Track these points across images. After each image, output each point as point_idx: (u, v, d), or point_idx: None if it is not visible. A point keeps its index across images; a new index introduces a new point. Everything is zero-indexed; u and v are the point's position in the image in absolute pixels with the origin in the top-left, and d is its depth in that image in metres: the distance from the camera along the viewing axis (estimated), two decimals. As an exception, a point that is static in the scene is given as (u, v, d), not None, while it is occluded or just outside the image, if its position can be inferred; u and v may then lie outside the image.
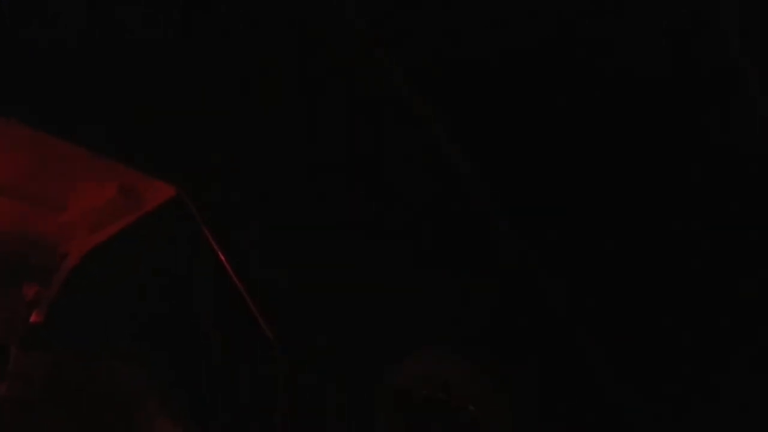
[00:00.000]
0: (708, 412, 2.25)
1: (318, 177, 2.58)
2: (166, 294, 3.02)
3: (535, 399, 2.60)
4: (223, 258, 2.64)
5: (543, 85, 2.13)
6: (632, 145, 2.18)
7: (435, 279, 2.69)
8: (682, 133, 2.11)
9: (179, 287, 3.05)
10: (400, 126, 2.29)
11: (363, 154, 2.47)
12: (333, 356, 2.89)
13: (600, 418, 2.50)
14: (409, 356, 2.80)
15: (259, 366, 2.85)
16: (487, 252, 2.59)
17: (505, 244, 2.49)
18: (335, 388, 2.87)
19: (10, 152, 2.22)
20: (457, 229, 2.60)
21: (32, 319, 2.77)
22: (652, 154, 2.18)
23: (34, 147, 2.19)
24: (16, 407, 2.54)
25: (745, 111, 1.97)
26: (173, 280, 3.02)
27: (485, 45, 2.04)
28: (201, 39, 2.07)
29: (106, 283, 2.85)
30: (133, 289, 2.92)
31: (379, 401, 2.81)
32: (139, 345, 2.95)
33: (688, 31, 1.88)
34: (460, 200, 2.53)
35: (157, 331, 3.01)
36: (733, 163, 2.09)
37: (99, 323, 2.90)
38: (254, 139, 2.48)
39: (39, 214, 2.61)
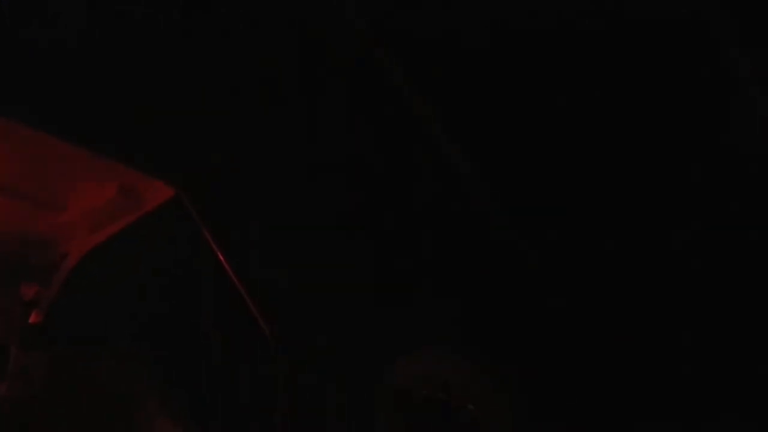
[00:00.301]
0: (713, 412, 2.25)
1: (318, 177, 2.58)
2: (166, 294, 3.02)
3: (535, 399, 2.60)
4: (222, 258, 2.65)
5: (543, 85, 2.13)
6: (632, 145, 2.18)
7: (435, 279, 2.69)
8: (681, 133, 2.11)
9: (179, 287, 3.05)
10: (400, 126, 2.29)
11: (363, 154, 2.47)
12: (333, 356, 2.89)
13: (600, 418, 2.50)
14: (409, 356, 2.80)
15: (259, 366, 2.85)
16: (488, 252, 2.59)
17: (505, 244, 2.49)
18: (335, 388, 2.87)
19: (10, 152, 2.22)
20: (456, 228, 2.60)
21: (32, 319, 2.77)
22: (651, 154, 2.18)
23: (35, 147, 2.19)
24: (16, 407, 2.55)
25: (744, 111, 1.97)
26: (173, 280, 3.02)
27: (485, 45, 2.04)
28: (201, 39, 2.07)
29: (106, 283, 2.85)
30: (133, 289, 2.92)
31: (379, 401, 2.81)
32: (139, 345, 2.95)
33: (687, 32, 1.88)
34: (460, 200, 2.52)
35: (157, 331, 3.01)
36: (733, 163, 2.09)
37: (99, 323, 2.90)
38: (254, 140, 2.48)
39: (39, 214, 2.62)
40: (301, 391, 2.79)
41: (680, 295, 2.31)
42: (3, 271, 2.67)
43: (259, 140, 2.49)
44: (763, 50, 1.85)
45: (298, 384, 2.78)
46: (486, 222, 2.50)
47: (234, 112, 2.34)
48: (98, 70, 2.01)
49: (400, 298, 2.75)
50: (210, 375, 3.05)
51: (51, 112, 2.02)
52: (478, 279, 2.62)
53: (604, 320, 2.47)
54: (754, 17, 1.81)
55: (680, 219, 2.23)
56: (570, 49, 2.01)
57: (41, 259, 2.75)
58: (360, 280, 2.76)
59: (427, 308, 2.69)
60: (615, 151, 2.22)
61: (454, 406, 2.64)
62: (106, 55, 1.98)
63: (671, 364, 2.38)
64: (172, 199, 2.60)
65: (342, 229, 2.70)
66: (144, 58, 2.07)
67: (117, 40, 1.95)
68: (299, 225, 2.70)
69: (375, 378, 2.87)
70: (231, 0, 1.99)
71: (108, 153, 2.26)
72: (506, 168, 2.41)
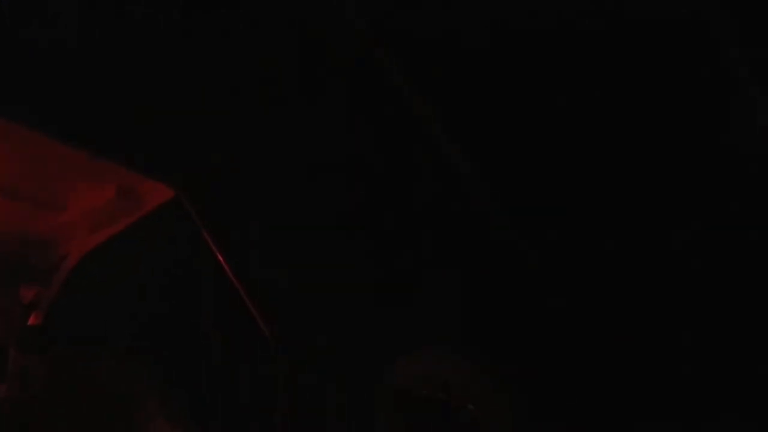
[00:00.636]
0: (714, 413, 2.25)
1: (318, 177, 2.58)
2: (166, 294, 3.02)
3: (535, 399, 2.60)
4: (222, 258, 2.65)
5: (543, 86, 2.13)
6: (631, 146, 2.18)
7: (435, 279, 2.69)
8: (681, 133, 2.11)
9: (179, 287, 3.05)
10: (400, 126, 2.29)
11: (363, 154, 2.47)
12: (333, 356, 2.89)
13: (600, 418, 2.50)
14: (409, 356, 2.80)
15: (259, 366, 2.85)
16: (488, 252, 2.59)
17: (505, 244, 2.49)
18: (335, 388, 2.87)
19: (9, 153, 2.21)
20: (456, 228, 2.60)
21: (31, 320, 2.76)
22: (651, 154, 2.18)
23: (34, 148, 2.19)
24: (16, 408, 2.54)
25: (744, 112, 1.97)
26: (173, 280, 3.02)
27: (485, 45, 2.04)
28: (201, 39, 2.07)
29: (106, 284, 2.85)
30: (133, 289, 2.91)
31: (379, 401, 2.81)
32: (139, 345, 2.95)
33: (687, 32, 1.88)
34: (460, 200, 2.52)
35: (157, 331, 3.01)
36: (732, 163, 2.09)
37: (99, 324, 2.90)
38: (253, 140, 2.48)
39: (38, 214, 2.61)
40: (301, 391, 2.79)
41: (680, 295, 2.32)
42: (2, 271, 2.67)
43: (259, 140, 2.49)
44: (763, 50, 1.85)
45: (298, 384, 2.78)
46: (486, 222, 2.50)
47: (234, 113, 2.34)
48: (98, 71, 2.01)
49: (400, 298, 2.75)
50: (210, 375, 3.05)
51: (50, 113, 2.02)
52: (478, 279, 2.62)
53: (603, 320, 2.47)
54: (754, 17, 1.81)
55: (680, 219, 2.23)
56: (570, 49, 2.01)
57: (41, 259, 2.74)
58: (360, 280, 2.76)
59: (427, 308, 2.69)
60: (615, 151, 2.22)
61: (454, 406, 2.64)
62: (105, 56, 1.98)
63: (671, 364, 2.38)
64: (171, 199, 2.60)
65: (342, 229, 2.69)
66: (143, 59, 2.07)
67: (117, 41, 1.95)
68: (299, 225, 2.70)
69: (375, 378, 2.88)
70: (231, 0, 1.99)
71: (107, 154, 2.25)
72: (506, 168, 2.41)
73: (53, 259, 2.76)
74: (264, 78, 2.24)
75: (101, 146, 2.18)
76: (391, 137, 2.39)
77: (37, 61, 1.89)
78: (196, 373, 2.99)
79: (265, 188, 2.63)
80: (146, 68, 2.09)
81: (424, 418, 2.68)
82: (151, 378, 2.86)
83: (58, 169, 2.37)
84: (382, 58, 2.07)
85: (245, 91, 2.29)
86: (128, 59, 2.03)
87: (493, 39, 2.03)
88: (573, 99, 2.15)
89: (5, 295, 2.69)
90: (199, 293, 3.03)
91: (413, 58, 2.12)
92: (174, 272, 2.98)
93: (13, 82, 1.87)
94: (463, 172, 2.40)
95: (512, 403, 2.63)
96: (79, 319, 2.85)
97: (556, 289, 2.57)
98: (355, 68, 2.14)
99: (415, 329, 2.78)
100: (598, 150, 2.28)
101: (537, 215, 2.49)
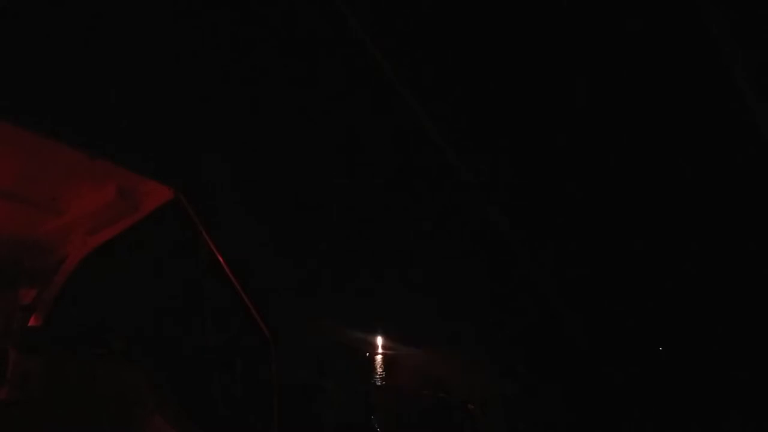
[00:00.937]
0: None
1: (318, 178, 2.59)
2: (164, 295, 3.02)
3: (535, 398, 2.61)
4: (221, 259, 2.65)
5: (543, 86, 2.14)
6: (633, 147, 2.19)
7: (435, 279, 2.69)
8: (681, 136, 2.12)
9: (178, 288, 3.05)
10: (399, 126, 2.30)
11: (363, 154, 2.47)
12: (331, 355, 2.89)
13: (600, 418, 2.51)
14: (408, 356, 2.81)
15: (257, 365, 2.85)
16: (486, 252, 2.59)
17: (506, 244, 2.50)
18: (335, 387, 2.87)
19: (9, 155, 2.21)
20: (456, 229, 2.61)
21: (31, 321, 2.76)
22: (652, 156, 2.19)
23: (33, 150, 2.18)
24: (16, 409, 2.54)
25: (743, 119, 1.98)
26: (172, 281, 3.02)
27: (485, 45, 2.05)
28: (200, 44, 2.08)
29: (105, 285, 2.85)
30: (132, 290, 2.91)
31: (378, 401, 2.82)
32: (138, 345, 2.95)
33: (687, 39, 1.89)
34: (458, 200, 2.53)
35: (156, 331, 3.01)
36: (732, 163, 2.10)
37: (98, 324, 2.89)
38: (253, 142, 2.49)
39: (38, 217, 2.61)
40: (298, 390, 2.79)
41: (681, 296, 2.32)
42: (2, 274, 2.66)
43: (258, 143, 2.50)
44: (761, 55, 1.86)
45: (295, 382, 2.79)
46: (485, 222, 2.50)
47: (233, 116, 2.35)
48: (98, 75, 2.02)
49: (400, 297, 2.75)
50: (208, 374, 3.05)
51: (50, 116, 2.02)
52: (478, 279, 2.63)
53: (603, 320, 2.48)
54: (754, 21, 1.82)
55: (681, 221, 2.24)
56: (569, 49, 2.02)
57: (40, 262, 2.74)
58: (360, 280, 2.76)
59: (427, 308, 2.69)
60: (615, 153, 2.23)
61: (454, 406, 2.64)
62: (105, 60, 1.99)
63: (671, 363, 2.39)
64: (170, 201, 2.60)
65: (342, 229, 2.70)
66: (142, 63, 2.08)
67: (116, 45, 1.96)
68: (298, 225, 2.70)
69: (374, 377, 2.87)
70: (231, 5, 2.00)
71: (107, 156, 2.25)
72: (505, 168, 2.42)
73: (53, 261, 2.76)
74: (263, 80, 2.25)
75: (101, 148, 2.19)
76: (392, 137, 2.40)
77: (38, 66, 1.89)
78: (194, 372, 2.99)
79: (264, 189, 2.63)
80: (145, 72, 2.09)
81: (424, 418, 2.69)
82: (149, 377, 2.86)
83: (57, 172, 2.37)
84: (383, 58, 2.08)
85: (244, 95, 2.30)
86: (127, 64, 2.04)
87: (493, 39, 2.04)
88: (573, 100, 2.16)
89: (5, 297, 2.68)
90: (197, 294, 3.03)
91: (414, 60, 2.13)
92: (172, 273, 2.98)
93: (13, 85, 1.87)
94: (463, 174, 2.41)
95: (512, 403, 2.64)
96: (78, 321, 2.85)
97: (555, 289, 2.58)
98: (355, 68, 2.15)
99: (415, 329, 2.79)
100: (597, 151, 2.29)
101: (536, 215, 2.51)
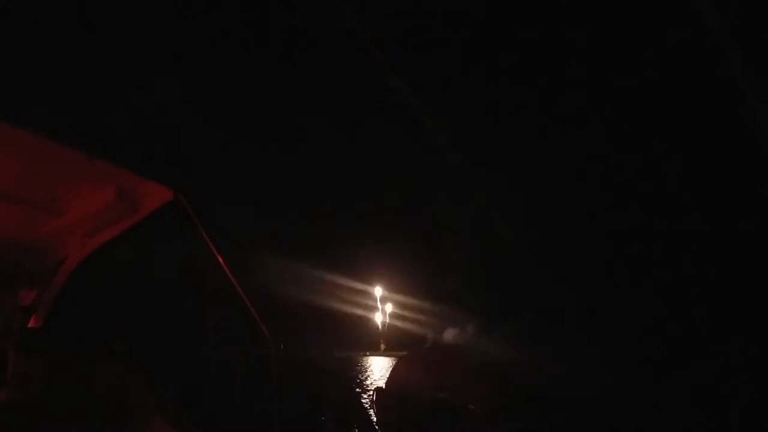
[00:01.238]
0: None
1: (318, 179, 2.59)
2: (164, 295, 3.02)
3: (537, 398, 2.61)
4: (220, 259, 2.65)
5: (542, 87, 2.14)
6: (633, 147, 2.19)
7: (434, 279, 2.69)
8: (681, 136, 2.12)
9: (177, 288, 3.05)
10: (399, 126, 2.30)
11: (363, 156, 2.48)
12: (331, 356, 2.89)
13: (599, 418, 2.51)
14: (409, 356, 2.81)
15: (256, 365, 2.85)
16: (487, 252, 2.59)
17: (506, 244, 2.50)
18: (334, 388, 2.88)
19: (9, 157, 2.21)
20: (455, 228, 2.61)
21: (30, 322, 2.76)
22: (652, 158, 2.19)
23: (33, 152, 2.19)
24: (16, 410, 2.54)
25: (744, 120, 1.98)
26: (171, 281, 3.02)
27: (485, 45, 2.05)
28: (200, 45, 2.08)
29: (105, 286, 2.85)
30: (132, 290, 2.92)
31: (378, 401, 2.82)
32: (138, 345, 2.95)
33: (687, 38, 1.89)
34: (457, 200, 2.53)
35: (156, 331, 3.01)
36: (732, 164, 2.10)
37: (97, 325, 2.90)
38: (252, 143, 2.49)
39: (38, 218, 2.61)
40: (298, 390, 2.79)
41: (682, 298, 2.33)
42: (2, 275, 2.66)
43: (257, 144, 2.50)
44: (761, 57, 1.86)
45: (295, 383, 2.79)
46: (486, 221, 2.51)
47: (232, 117, 2.35)
48: (97, 76, 2.02)
49: (400, 297, 2.76)
50: (207, 374, 3.06)
51: (50, 117, 2.02)
52: (478, 280, 2.63)
53: (603, 319, 2.48)
54: (754, 21, 1.82)
55: (680, 221, 2.24)
56: (570, 50, 2.02)
57: (40, 262, 2.74)
58: (360, 280, 2.76)
59: (427, 308, 2.69)
60: (615, 153, 2.23)
61: (454, 406, 2.65)
62: (104, 61, 1.99)
63: (670, 363, 2.39)
64: (170, 201, 2.60)
65: (341, 229, 2.70)
66: (142, 64, 2.08)
67: (116, 47, 1.96)
68: (298, 225, 2.71)
69: (374, 378, 2.88)
70: (230, 6, 2.00)
71: (106, 157, 2.26)
72: (505, 168, 2.42)
73: (52, 262, 2.76)
74: (263, 81, 2.25)
75: (100, 149, 2.19)
76: (391, 137, 2.40)
77: (38, 68, 1.89)
78: (193, 372, 3.00)
79: (264, 190, 2.63)
80: (144, 73, 2.10)
81: (424, 417, 2.69)
82: (149, 378, 2.86)
83: (56, 173, 2.37)
84: (382, 57, 2.08)
85: (244, 95, 2.30)
86: (127, 65, 2.04)
87: (494, 40, 2.04)
88: (573, 102, 2.16)
89: (5, 298, 2.68)
90: (197, 294, 3.03)
91: (411, 58, 2.13)
92: (172, 274, 2.99)
93: (13, 86, 1.88)
94: (462, 176, 2.41)
95: (511, 401, 2.64)
96: (78, 322, 2.86)
97: (555, 289, 2.58)
98: (355, 68, 2.15)
99: (415, 329, 2.79)
100: (597, 152, 2.29)
101: (535, 216, 2.51)
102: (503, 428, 2.61)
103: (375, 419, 2.77)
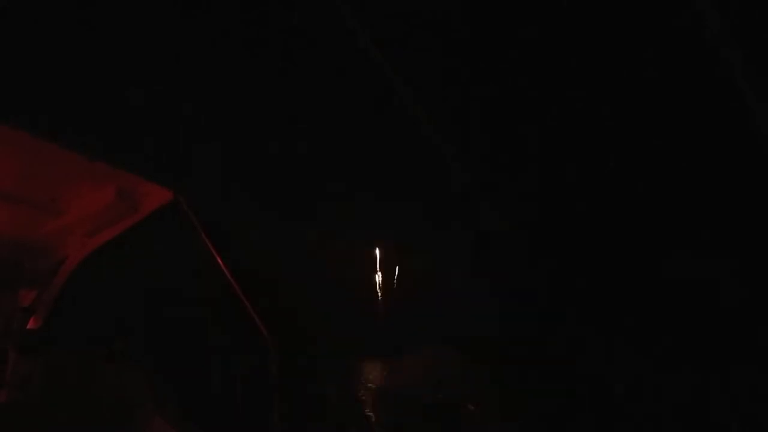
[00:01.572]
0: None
1: (317, 180, 2.59)
2: (164, 296, 3.02)
3: (535, 398, 2.61)
4: (220, 260, 2.65)
5: (542, 88, 2.14)
6: (633, 149, 2.19)
7: (434, 279, 2.69)
8: (681, 136, 2.12)
9: (177, 289, 3.05)
10: (399, 126, 2.30)
11: (363, 157, 2.48)
12: (331, 356, 2.89)
13: (598, 418, 2.51)
14: (408, 356, 2.80)
15: (256, 366, 2.85)
16: (486, 252, 2.59)
17: (505, 244, 2.50)
18: (334, 388, 2.87)
19: (9, 157, 2.21)
20: (455, 229, 2.61)
21: (30, 323, 2.76)
22: (653, 160, 2.19)
23: (34, 153, 2.19)
24: (16, 410, 2.54)
25: (743, 120, 1.98)
26: (171, 282, 3.02)
27: (485, 46, 2.05)
28: (200, 45, 2.08)
29: (105, 286, 2.85)
30: (132, 291, 2.92)
31: (378, 401, 2.81)
32: (138, 346, 2.95)
33: (687, 38, 1.89)
34: (457, 200, 2.53)
35: (155, 332, 3.01)
36: (732, 163, 2.10)
37: (97, 326, 2.89)
38: (252, 144, 2.49)
39: (38, 218, 2.61)
40: (298, 391, 2.79)
41: (681, 299, 2.32)
42: (1, 275, 2.66)
43: (257, 144, 2.49)
44: (761, 59, 1.85)
45: (295, 384, 2.78)
46: (485, 221, 2.51)
47: (232, 117, 2.35)
48: (97, 76, 2.02)
49: (400, 297, 2.75)
50: (207, 375, 3.05)
51: (49, 118, 2.02)
52: (477, 280, 2.63)
53: (603, 320, 2.48)
54: (754, 21, 1.82)
55: (679, 220, 2.24)
56: (569, 51, 2.02)
57: (40, 263, 2.74)
58: (360, 280, 2.76)
59: (427, 308, 2.69)
60: (615, 155, 2.23)
61: (454, 406, 2.65)
62: (104, 62, 1.99)
63: (669, 363, 2.39)
64: (169, 202, 2.60)
65: (341, 230, 2.70)
66: (142, 64, 2.08)
67: (116, 47, 1.96)
68: (298, 225, 2.70)
69: (374, 378, 2.87)
70: (229, 5, 1.99)
71: (106, 158, 2.26)
72: (504, 168, 2.42)
73: (52, 263, 2.76)
74: (263, 81, 2.25)
75: (100, 149, 2.19)
76: (392, 138, 2.40)
77: (37, 68, 1.89)
78: (193, 373, 2.99)
79: (263, 190, 2.63)
80: (144, 74, 2.09)
81: (424, 418, 2.69)
82: (149, 378, 2.86)
83: (56, 174, 2.37)
84: (382, 57, 2.08)
85: (243, 96, 2.30)
86: (127, 65, 2.04)
87: (493, 40, 2.04)
88: (572, 103, 2.16)
89: (5, 298, 2.68)
90: (197, 295, 3.03)
91: (413, 58, 2.13)
92: (172, 274, 2.98)
93: (12, 87, 1.87)
94: (463, 178, 2.41)
95: (510, 402, 2.63)
96: (78, 323, 2.85)
97: (554, 289, 2.57)
98: (355, 68, 2.15)
99: (415, 329, 2.78)
100: (597, 154, 2.29)
101: (535, 218, 2.51)
102: (503, 428, 2.60)
103: (375, 419, 2.76)
